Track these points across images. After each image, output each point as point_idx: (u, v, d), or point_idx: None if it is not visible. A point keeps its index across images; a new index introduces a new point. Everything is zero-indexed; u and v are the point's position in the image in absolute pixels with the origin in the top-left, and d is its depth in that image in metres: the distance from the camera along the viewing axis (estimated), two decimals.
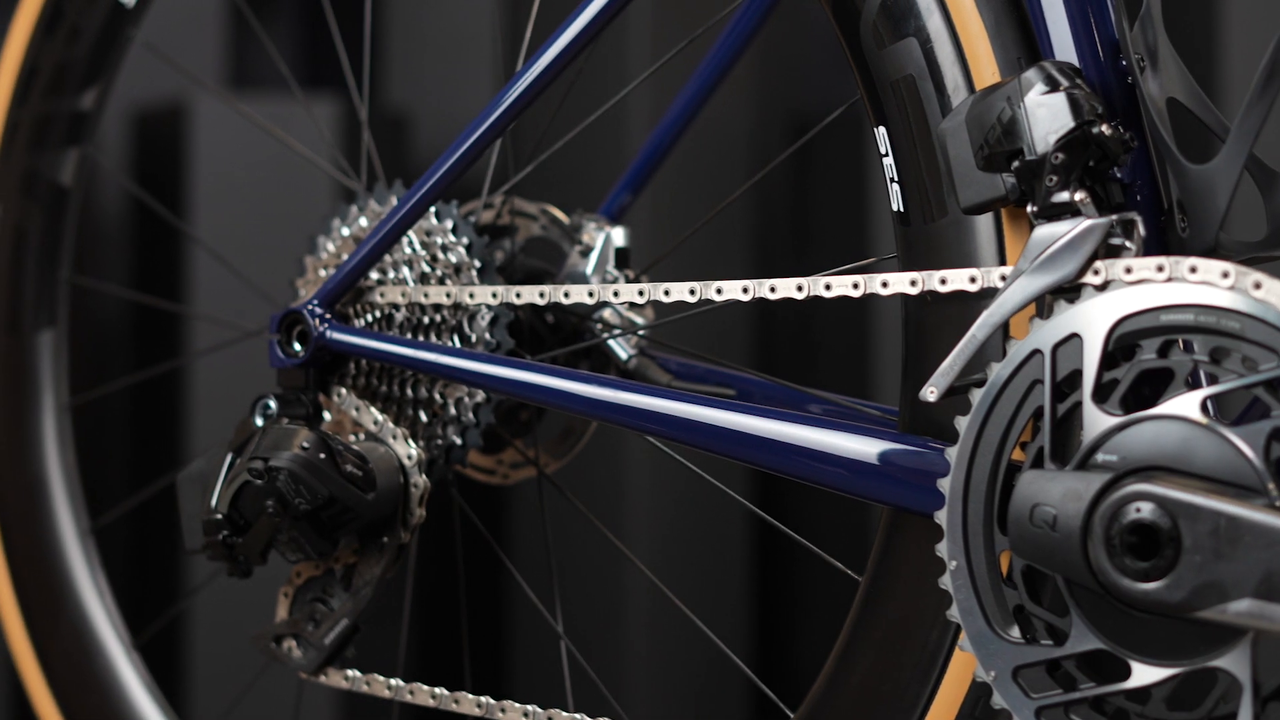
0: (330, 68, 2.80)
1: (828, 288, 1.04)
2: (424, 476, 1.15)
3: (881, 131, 1.05)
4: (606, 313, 1.21)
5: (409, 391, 1.19)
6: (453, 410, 1.18)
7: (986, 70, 1.01)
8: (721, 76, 1.25)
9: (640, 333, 1.20)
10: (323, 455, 1.12)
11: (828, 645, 1.08)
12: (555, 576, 1.25)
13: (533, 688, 2.29)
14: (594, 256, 1.21)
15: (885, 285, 1.02)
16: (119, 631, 1.37)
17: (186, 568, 2.14)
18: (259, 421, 1.17)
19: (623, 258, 1.22)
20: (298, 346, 1.17)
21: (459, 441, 1.18)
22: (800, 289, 1.04)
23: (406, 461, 1.15)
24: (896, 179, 1.04)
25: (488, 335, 1.16)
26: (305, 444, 1.12)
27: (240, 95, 2.40)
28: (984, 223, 1.01)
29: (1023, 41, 1.02)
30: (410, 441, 1.15)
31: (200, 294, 2.25)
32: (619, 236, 1.22)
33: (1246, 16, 2.06)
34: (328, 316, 1.17)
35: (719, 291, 1.06)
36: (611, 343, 1.21)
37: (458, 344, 1.17)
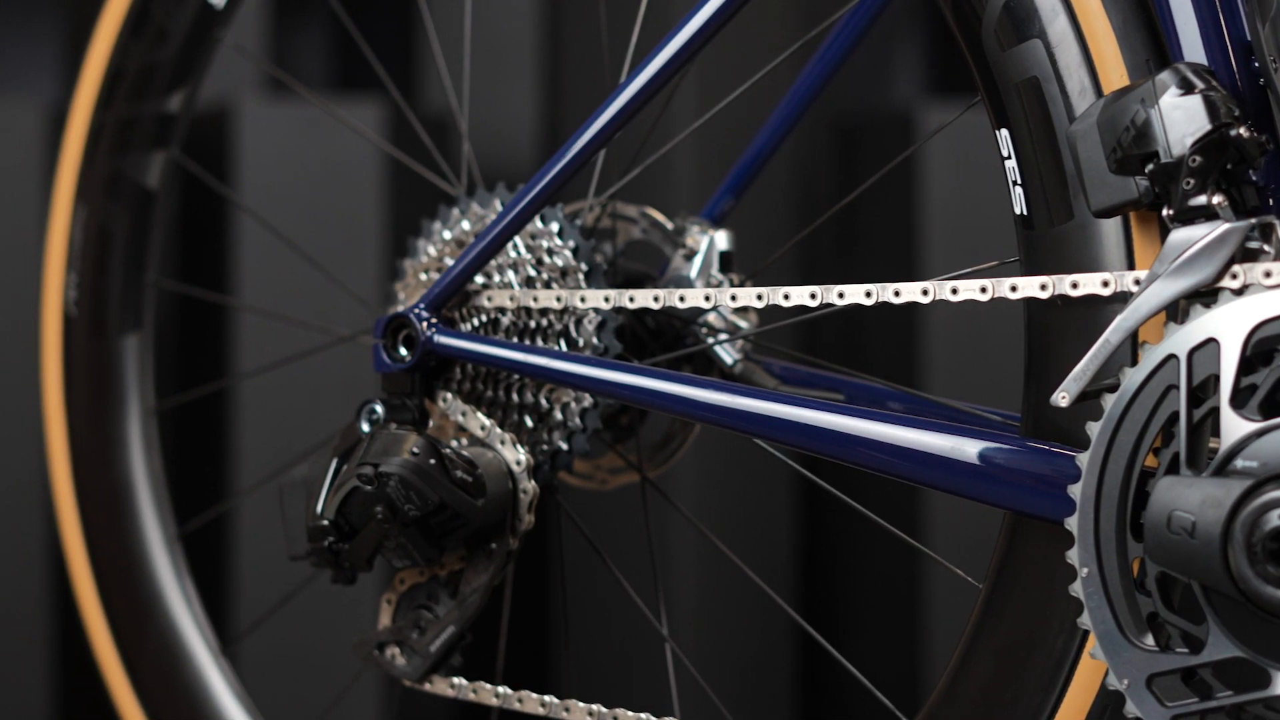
0: (366, 71, 2.79)
1: (954, 291, 1.03)
2: (533, 482, 1.14)
3: (1004, 134, 1.04)
4: (711, 317, 1.20)
5: (514, 396, 1.18)
6: (559, 415, 1.17)
7: (1114, 73, 1.00)
8: (828, 80, 1.24)
9: (748, 337, 1.19)
10: (433, 461, 1.11)
11: (934, 651, 1.08)
12: (659, 581, 1.24)
13: (631, 693, 2.28)
14: (698, 260, 1.20)
15: (1014, 289, 1.01)
16: (207, 637, 1.36)
17: (271, 572, 2.13)
18: (365, 427, 1.16)
19: (726, 261, 1.21)
20: (404, 351, 1.16)
21: (565, 447, 1.17)
22: (926, 293, 1.03)
23: (515, 467, 1.14)
24: (1020, 182, 1.03)
25: (595, 339, 1.15)
26: (415, 449, 1.11)
27: (279, 99, 2.38)
28: (1112, 226, 1.00)
29: (1151, 43, 1.01)
30: (518, 447, 1.14)
31: (247, 293, 2.24)
32: (723, 240, 1.21)
33: None
34: (434, 321, 1.16)
35: (840, 296, 1.05)
36: (717, 348, 1.20)
37: (564, 348, 1.16)
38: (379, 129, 2.38)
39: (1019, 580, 1.04)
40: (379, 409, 1.16)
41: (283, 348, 2.16)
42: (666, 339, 1.21)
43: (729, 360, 1.20)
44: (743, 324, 1.21)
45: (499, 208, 1.20)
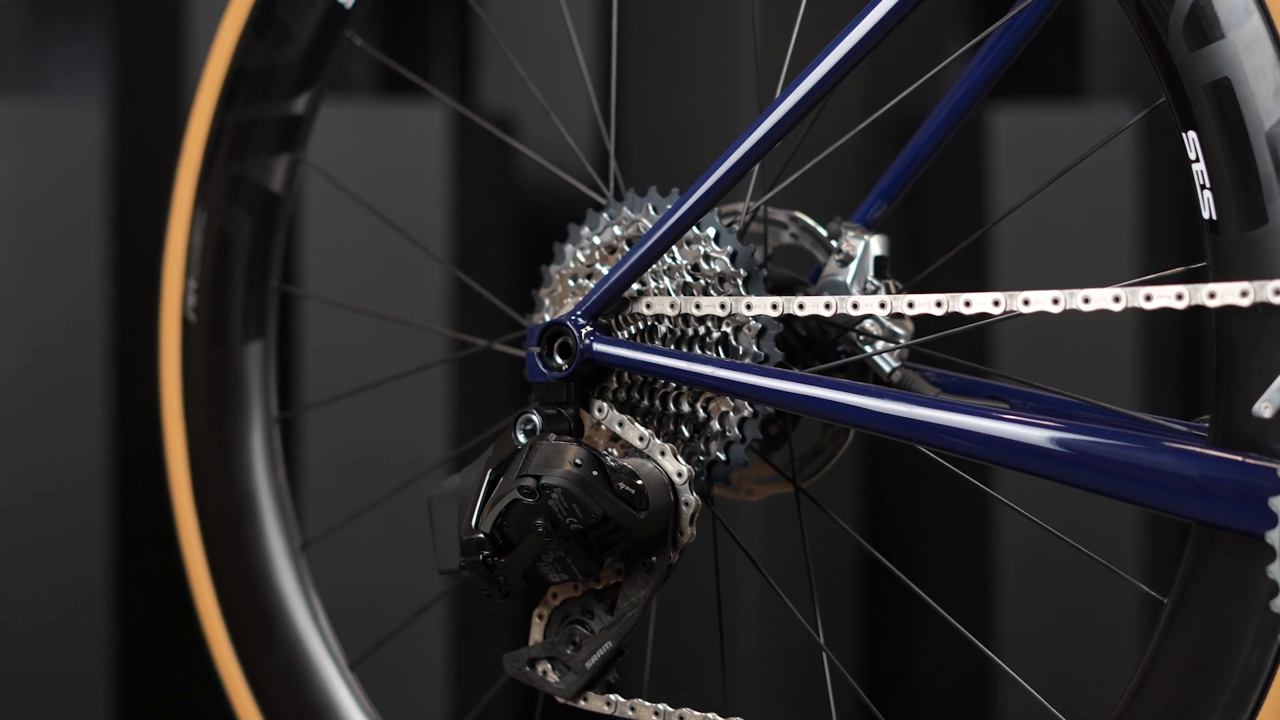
0: (418, 71, 2.76)
1: (1148, 298, 1.00)
2: (694, 494, 1.11)
3: (1191, 136, 1.01)
4: (867, 324, 1.17)
5: (670, 406, 1.15)
6: (716, 425, 1.14)
7: None
8: (989, 83, 1.21)
9: (910, 346, 1.16)
10: (596, 473, 1.08)
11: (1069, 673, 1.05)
12: (815, 592, 1.21)
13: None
14: (854, 266, 1.17)
15: (1213, 296, 0.98)
16: (334, 653, 1.33)
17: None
18: (521, 438, 1.12)
19: (880, 267, 1.18)
20: (560, 360, 1.13)
21: (723, 457, 1.14)
22: (1117, 300, 1.00)
23: (676, 479, 1.11)
24: (1208, 185, 1.00)
25: (755, 347, 1.12)
26: (578, 461, 1.08)
27: (339, 100, 2.35)
28: None
29: None
30: (679, 458, 1.11)
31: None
32: (878, 245, 1.18)
33: None
34: (591, 329, 1.13)
35: (1026, 303, 1.02)
36: (877, 359, 1.17)
37: (723, 356, 1.13)
38: (442, 130, 2.35)
39: (1207, 594, 1.01)
40: (536, 419, 1.13)
41: (362, 352, 2.14)
42: (819, 347, 1.18)
43: (887, 368, 1.17)
44: (899, 330, 1.18)
45: (652, 213, 1.17)
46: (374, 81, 2.64)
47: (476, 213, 2.41)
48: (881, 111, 1.13)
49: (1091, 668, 2.23)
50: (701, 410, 1.14)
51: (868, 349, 1.17)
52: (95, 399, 2.35)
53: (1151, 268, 2.22)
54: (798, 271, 1.23)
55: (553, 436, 1.11)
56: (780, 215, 1.22)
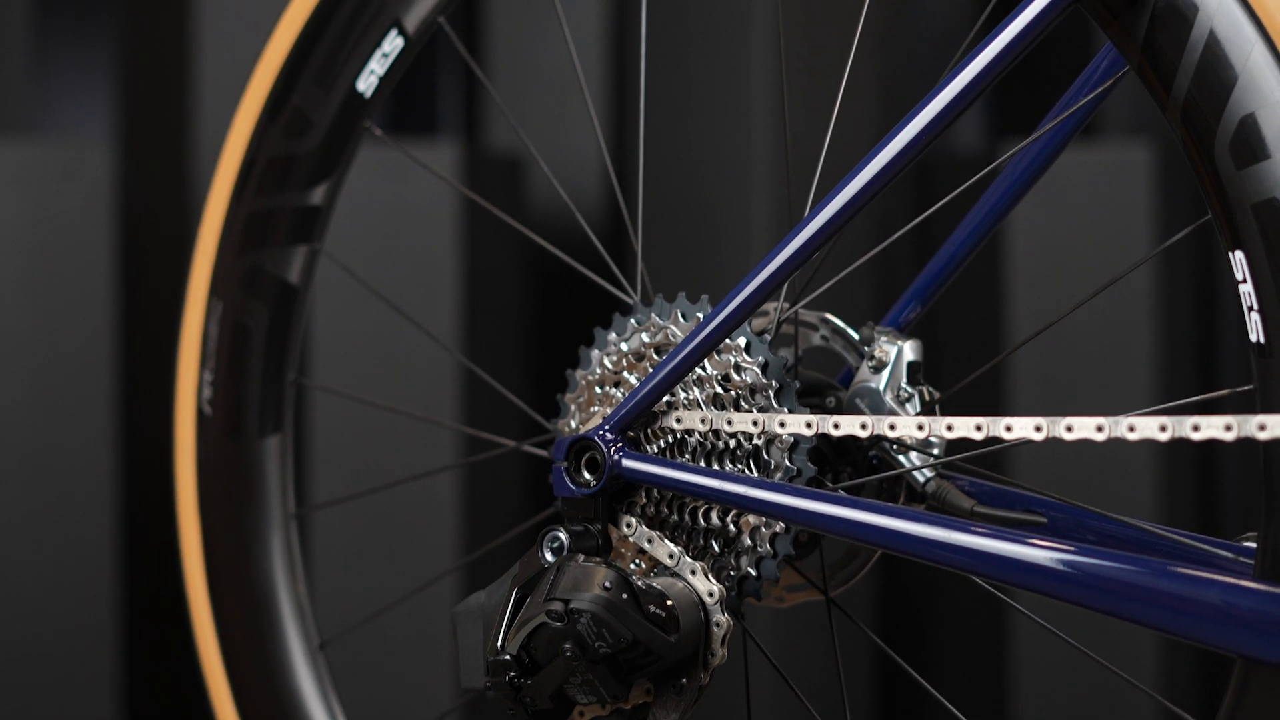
0: (420, 112, 2.73)
1: (1195, 428, 0.97)
2: (726, 615, 1.08)
3: (1239, 256, 0.98)
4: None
5: (700, 520, 1.12)
6: (748, 540, 1.11)
7: None
8: (1026, 187, 1.19)
9: (945, 461, 1.13)
10: (625, 596, 1.05)
11: None
12: (846, 704, 1.18)
13: None
14: (887, 373, 1.14)
15: (1263, 429, 0.95)
16: None
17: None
18: (549, 557, 1.10)
19: (914, 372, 1.15)
20: (588, 475, 1.11)
21: (754, 573, 1.11)
22: (1164, 429, 0.97)
23: (708, 599, 1.08)
24: (1256, 307, 0.98)
25: (787, 462, 1.10)
26: (607, 584, 1.05)
27: None
28: None
29: None
30: (709, 576, 1.09)
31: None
32: (911, 350, 1.15)
33: None
34: (620, 444, 1.10)
35: (1069, 429, 0.99)
36: (907, 464, 1.14)
37: (754, 470, 1.10)
38: (452, 169, 2.33)
39: None
40: (562, 536, 1.10)
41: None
42: (852, 455, 1.15)
43: (921, 478, 1.14)
44: (934, 439, 1.15)
45: (681, 320, 1.14)
46: (383, 122, 2.61)
47: (487, 251, 2.39)
48: (920, 219, 1.10)
49: None
50: (732, 525, 1.11)
51: (902, 460, 1.14)
52: (103, 440, 2.33)
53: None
54: (828, 372, 1.20)
55: (581, 557, 1.08)
56: (811, 317, 1.19)
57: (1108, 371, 2.18)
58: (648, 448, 1.12)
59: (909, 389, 1.15)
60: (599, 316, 1.21)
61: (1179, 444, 2.11)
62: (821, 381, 1.18)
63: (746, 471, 1.11)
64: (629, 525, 1.11)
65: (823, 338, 1.20)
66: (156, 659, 2.44)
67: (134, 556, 2.41)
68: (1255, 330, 0.98)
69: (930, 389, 1.15)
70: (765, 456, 1.10)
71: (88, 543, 2.34)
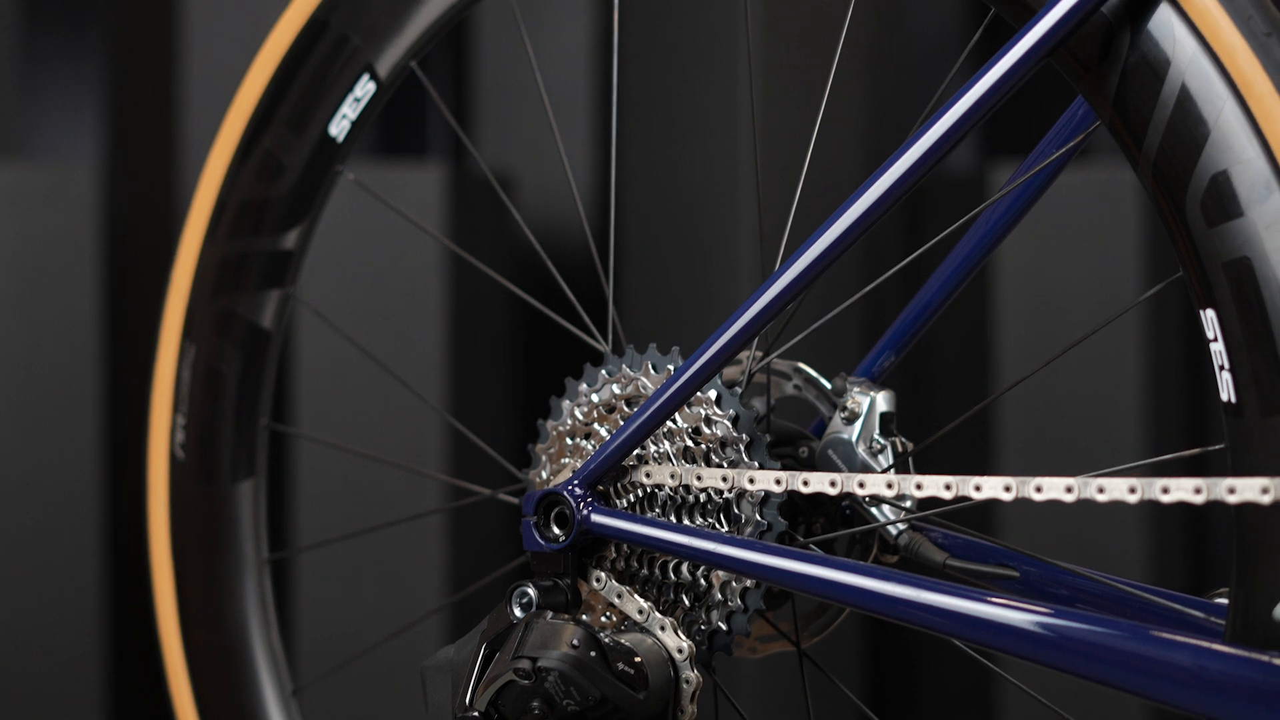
0: (409, 135, 2.72)
1: (1165, 490, 0.96)
2: (696, 671, 1.07)
3: (1210, 315, 0.97)
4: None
5: (670, 575, 1.11)
6: (718, 595, 1.10)
7: None
8: (1001, 237, 1.18)
9: (918, 516, 1.13)
10: (593, 653, 1.04)
11: None
12: None
13: None
14: (859, 424, 1.13)
15: (1233, 491, 0.95)
16: None
17: None
18: (518, 613, 1.09)
19: (887, 423, 1.14)
20: (557, 530, 1.10)
21: (724, 627, 1.10)
22: (1133, 490, 0.96)
23: (677, 655, 1.08)
24: (1227, 367, 0.97)
25: (758, 516, 1.09)
26: (575, 642, 1.04)
27: None
28: None
29: None
30: (679, 632, 1.08)
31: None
32: (884, 401, 1.14)
33: None
34: (589, 499, 1.09)
35: (1039, 489, 0.98)
36: (880, 517, 1.13)
37: (725, 524, 1.10)
38: (439, 191, 2.32)
39: None
40: (531, 592, 1.09)
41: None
42: (825, 506, 1.14)
43: (894, 531, 1.13)
44: (907, 492, 1.14)
45: (652, 372, 1.13)
46: (370, 143, 2.60)
47: (473, 277, 2.38)
48: (891, 272, 1.09)
49: None
50: (703, 579, 1.11)
51: (875, 513, 1.13)
52: (87, 459, 2.33)
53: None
54: (803, 419, 1.19)
55: (549, 614, 1.07)
56: (783, 366, 1.19)
57: (1097, 405, 2.17)
58: (618, 502, 1.12)
59: (881, 440, 1.14)
60: (585, 348, 1.20)
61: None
62: (794, 431, 1.17)
63: (717, 526, 1.10)
64: (599, 580, 1.10)
65: (795, 387, 1.19)
66: (141, 677, 2.43)
67: (119, 575, 2.41)
68: (1226, 390, 0.97)
69: (903, 440, 1.14)
70: (736, 510, 1.10)
71: (72, 561, 2.34)
